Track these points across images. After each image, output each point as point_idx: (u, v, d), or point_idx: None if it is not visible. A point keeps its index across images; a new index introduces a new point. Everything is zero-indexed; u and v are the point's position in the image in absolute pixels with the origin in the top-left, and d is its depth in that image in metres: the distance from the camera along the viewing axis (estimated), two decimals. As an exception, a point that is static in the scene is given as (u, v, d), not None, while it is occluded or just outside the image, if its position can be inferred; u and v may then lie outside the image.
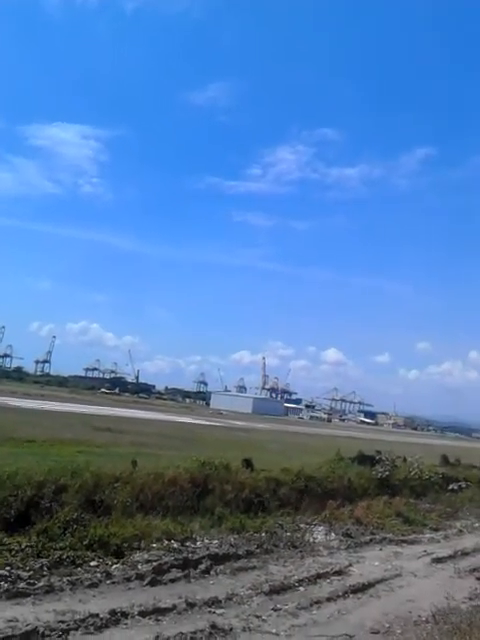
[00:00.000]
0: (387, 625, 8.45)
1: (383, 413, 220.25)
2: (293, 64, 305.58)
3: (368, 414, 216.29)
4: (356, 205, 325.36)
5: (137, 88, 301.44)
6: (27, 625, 6.83)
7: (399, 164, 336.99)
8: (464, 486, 23.82)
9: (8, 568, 8.58)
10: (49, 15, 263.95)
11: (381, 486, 19.88)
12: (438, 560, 12.97)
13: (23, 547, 9.43)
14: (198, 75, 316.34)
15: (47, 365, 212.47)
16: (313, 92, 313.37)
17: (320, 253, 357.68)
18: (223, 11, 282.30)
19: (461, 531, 17.07)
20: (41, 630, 6.76)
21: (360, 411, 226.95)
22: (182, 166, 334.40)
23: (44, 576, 8.64)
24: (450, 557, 13.36)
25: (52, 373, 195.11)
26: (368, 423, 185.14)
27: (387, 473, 20.60)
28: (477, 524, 18.33)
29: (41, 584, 8.30)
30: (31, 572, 8.65)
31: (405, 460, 24.31)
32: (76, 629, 7.01)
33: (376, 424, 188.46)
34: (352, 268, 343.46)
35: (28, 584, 8.22)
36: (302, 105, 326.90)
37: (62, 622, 7.08)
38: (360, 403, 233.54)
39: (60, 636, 6.79)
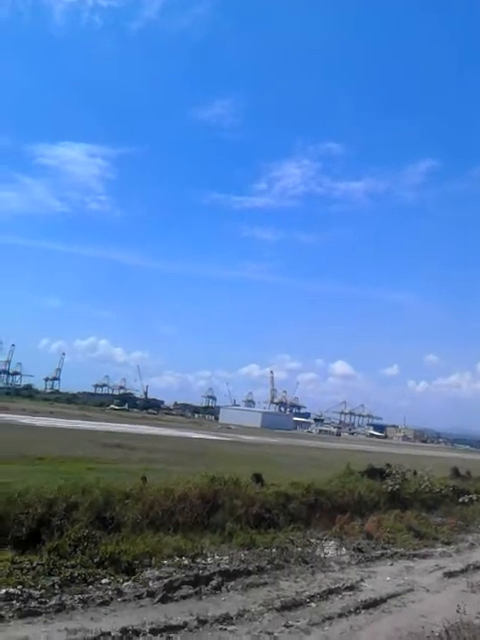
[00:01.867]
0: (399, 641, 8.41)
1: (392, 426, 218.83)
2: (297, 79, 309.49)
3: (377, 427, 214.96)
4: (362, 218, 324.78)
5: (143, 106, 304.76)
6: (39, 644, 6.85)
7: (404, 176, 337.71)
8: (475, 499, 23.62)
9: (20, 586, 8.62)
10: (55, 35, 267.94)
11: (392, 500, 19.78)
12: (450, 574, 12.87)
13: (34, 565, 9.48)
14: (203, 92, 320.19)
15: (57, 382, 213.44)
16: (317, 106, 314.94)
17: (327, 266, 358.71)
18: (226, 28, 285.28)
19: (473, 545, 16.91)
20: (53, 649, 6.79)
21: (369, 424, 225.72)
22: (188, 182, 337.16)
23: (55, 594, 8.66)
24: (462, 571, 13.26)
25: (62, 390, 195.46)
26: (377, 436, 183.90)
27: (397, 486, 20.49)
28: (489, 537, 18.14)
29: (53, 602, 8.32)
30: (43, 590, 8.68)
31: (415, 473, 24.17)
32: (88, 648, 7.02)
33: (385, 437, 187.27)
34: (359, 280, 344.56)
35: (40, 603, 8.25)
36: (307, 119, 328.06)
37: (74, 641, 7.09)
38: (369, 416, 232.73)
39: (72, 655, 6.81)
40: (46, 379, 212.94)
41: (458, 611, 9.35)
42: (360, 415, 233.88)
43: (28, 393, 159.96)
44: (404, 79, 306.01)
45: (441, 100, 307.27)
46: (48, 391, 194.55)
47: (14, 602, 8.13)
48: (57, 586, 8.94)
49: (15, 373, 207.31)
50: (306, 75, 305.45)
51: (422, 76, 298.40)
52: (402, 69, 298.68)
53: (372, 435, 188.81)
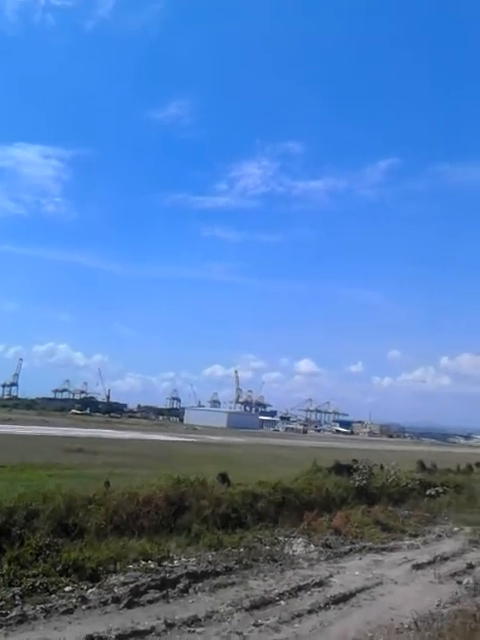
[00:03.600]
0: (369, 634, 8.37)
1: (358, 422, 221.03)
2: (254, 78, 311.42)
3: (343, 424, 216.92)
4: (322, 217, 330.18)
5: (98, 106, 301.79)
6: (-1, 658, 6.55)
7: (364, 175, 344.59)
8: (441, 491, 23.95)
9: (-22, 599, 8.27)
10: (7, 33, 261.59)
11: (359, 495, 19.86)
12: (418, 566, 12.94)
13: (-6, 576, 9.11)
14: (159, 92, 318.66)
15: (14, 388, 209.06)
16: (276, 105, 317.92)
17: (289, 265, 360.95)
18: (181, 27, 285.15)
19: (440, 536, 17.08)
20: (14, 662, 6.50)
21: (335, 421, 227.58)
22: (147, 183, 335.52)
23: (16, 605, 8.34)
24: (430, 563, 13.34)
25: (20, 396, 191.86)
26: (344, 432, 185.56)
27: (365, 482, 20.59)
28: (455, 528, 18.38)
29: (13, 614, 8.02)
30: (2, 602, 8.36)
31: (382, 468, 24.36)
32: (51, 659, 6.75)
33: (352, 433, 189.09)
34: (322, 279, 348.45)
35: (-1, 614, 7.92)
36: (265, 119, 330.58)
37: (36, 652, 6.81)
38: (335, 413, 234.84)
39: (34, 667, 6.53)
40: (3, 385, 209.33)
41: (427, 603, 9.42)
42: (326, 412, 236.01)
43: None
44: (362, 78, 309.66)
45: (399, 98, 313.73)
46: (5, 397, 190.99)
47: (-28, 615, 7.79)
48: (18, 597, 8.61)
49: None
50: (264, 74, 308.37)
51: (380, 75, 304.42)
52: (360, 68, 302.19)
53: (338, 431, 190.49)
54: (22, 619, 7.96)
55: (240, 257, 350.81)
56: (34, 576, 9.31)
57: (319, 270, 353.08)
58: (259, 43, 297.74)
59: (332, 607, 9.63)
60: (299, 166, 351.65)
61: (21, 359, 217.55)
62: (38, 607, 8.35)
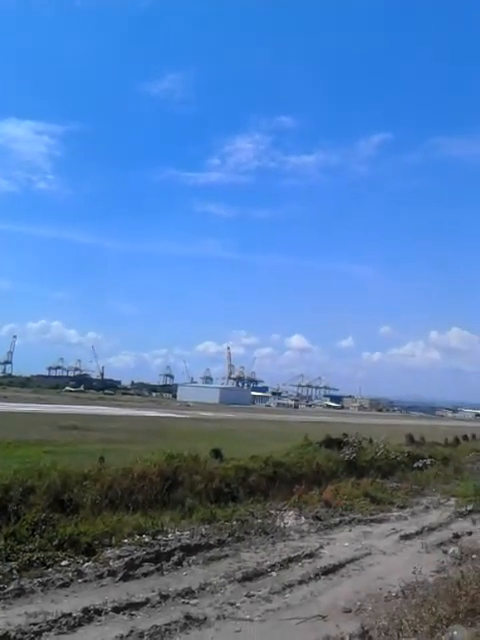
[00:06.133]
0: (358, 603, 8.62)
1: (349, 396, 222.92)
2: (248, 52, 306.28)
3: (334, 398, 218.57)
4: (315, 192, 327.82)
5: (90, 81, 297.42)
6: (-2, 630, 6.75)
7: (356, 150, 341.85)
8: (429, 463, 24.41)
9: (-24, 574, 8.47)
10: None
11: (349, 468, 20.22)
12: (406, 537, 13.28)
13: (-9, 552, 9.30)
14: (152, 66, 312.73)
15: (8, 366, 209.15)
16: (269, 80, 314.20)
17: (281, 240, 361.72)
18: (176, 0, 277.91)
19: (427, 507, 17.47)
20: (13, 634, 6.69)
21: (326, 396, 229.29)
22: (139, 159, 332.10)
23: (14, 579, 8.54)
24: (417, 533, 13.68)
25: (14, 374, 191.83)
26: (334, 407, 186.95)
27: (354, 455, 20.95)
28: (443, 500, 18.77)
29: (11, 588, 8.21)
30: (0, 576, 8.55)
31: (371, 441, 24.75)
32: (49, 630, 6.96)
33: (342, 408, 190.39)
34: (314, 254, 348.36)
35: (-3, 588, 8.12)
36: (258, 94, 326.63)
37: (34, 624, 7.01)
38: (326, 388, 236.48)
39: (33, 639, 6.73)
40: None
41: (414, 572, 9.69)
42: (317, 387, 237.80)
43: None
44: (355, 53, 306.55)
45: (393, 73, 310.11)
46: (0, 375, 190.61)
47: (-29, 590, 7.98)
48: (15, 571, 8.81)
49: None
50: (258, 49, 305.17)
51: (372, 49, 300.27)
52: (352, 42, 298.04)
53: (329, 406, 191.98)
54: (20, 592, 8.15)
55: (232, 232, 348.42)
56: (31, 551, 9.49)
57: (311, 245, 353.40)
58: (254, 17, 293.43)
59: (322, 577, 9.91)
60: (292, 141, 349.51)
61: (14, 336, 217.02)
62: (35, 581, 8.55)
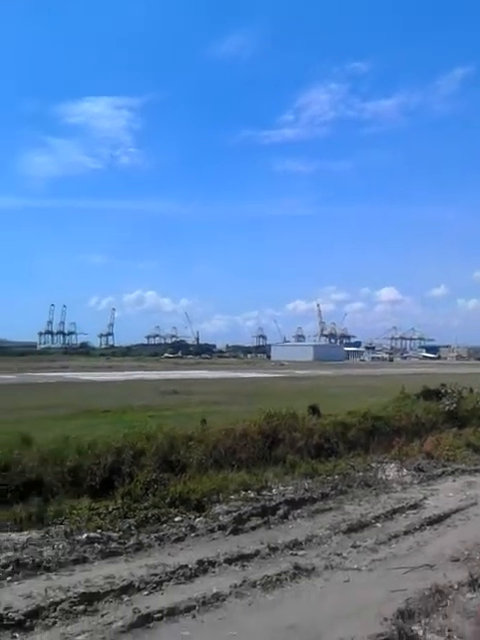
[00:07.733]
0: (466, 552, 8.59)
1: (445, 346, 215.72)
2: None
3: (430, 349, 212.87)
4: (397, 136, 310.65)
5: (159, 49, 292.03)
6: (123, 580, 7.33)
7: (437, 88, 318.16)
8: None
9: (99, 530, 9.18)
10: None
11: (449, 419, 19.81)
12: (513, 485, 12.99)
13: (110, 510, 10.02)
14: (218, 25, 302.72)
15: (110, 337, 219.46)
16: (339, 25, 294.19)
17: (365, 191, 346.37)
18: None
19: None
20: (137, 584, 7.25)
21: (421, 347, 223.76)
22: (215, 122, 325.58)
23: (133, 535, 9.16)
24: (525, 482, 13.34)
25: (116, 345, 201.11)
26: (431, 358, 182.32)
27: (454, 405, 20.45)
28: None
29: (131, 542, 8.82)
30: (120, 532, 9.20)
31: (471, 391, 24.05)
32: (168, 580, 7.47)
33: (439, 358, 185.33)
34: (398, 202, 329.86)
35: (119, 543, 8.77)
36: (329, 41, 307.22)
37: (154, 575, 7.55)
38: (420, 339, 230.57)
39: (155, 588, 7.27)
40: (100, 335, 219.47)
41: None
42: (411, 339, 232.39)
43: (85, 351, 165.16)
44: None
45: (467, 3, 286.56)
46: (103, 347, 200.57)
47: (96, 545, 8.65)
48: (133, 527, 9.45)
49: (70, 333, 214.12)
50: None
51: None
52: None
53: (425, 357, 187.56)
54: (139, 547, 8.75)
55: (313, 188, 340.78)
56: (145, 508, 10.15)
57: (395, 192, 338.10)
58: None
59: (427, 528, 9.93)
60: (368, 86, 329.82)
61: (114, 309, 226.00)
62: (152, 536, 9.14)
